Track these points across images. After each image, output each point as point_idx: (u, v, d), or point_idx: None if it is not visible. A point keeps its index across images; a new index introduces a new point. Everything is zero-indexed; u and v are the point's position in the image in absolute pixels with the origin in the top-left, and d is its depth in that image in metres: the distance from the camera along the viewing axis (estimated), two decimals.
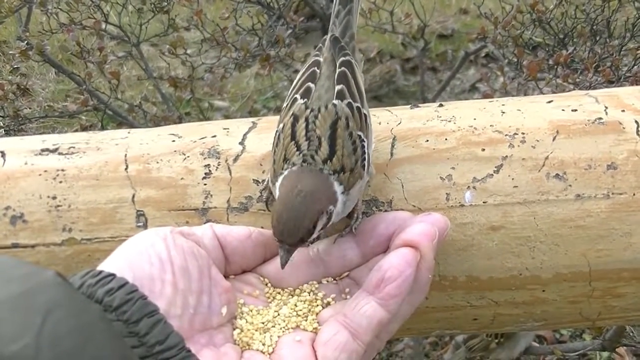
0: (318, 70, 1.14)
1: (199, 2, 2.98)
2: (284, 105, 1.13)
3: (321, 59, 1.16)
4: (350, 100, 1.08)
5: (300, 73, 1.16)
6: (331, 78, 1.12)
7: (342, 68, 1.11)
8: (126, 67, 5.06)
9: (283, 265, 1.00)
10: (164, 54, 2.99)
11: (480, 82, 5.18)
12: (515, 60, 2.79)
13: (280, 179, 1.02)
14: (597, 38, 2.88)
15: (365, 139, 1.07)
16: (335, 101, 1.07)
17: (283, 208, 0.98)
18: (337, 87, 1.09)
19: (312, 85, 1.11)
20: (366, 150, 1.06)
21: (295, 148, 1.04)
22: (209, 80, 3.26)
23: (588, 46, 2.77)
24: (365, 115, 1.09)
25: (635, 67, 2.50)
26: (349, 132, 1.05)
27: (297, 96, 1.10)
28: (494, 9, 3.30)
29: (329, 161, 1.02)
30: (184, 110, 4.45)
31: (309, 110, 1.07)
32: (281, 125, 1.08)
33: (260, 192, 1.12)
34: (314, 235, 1.00)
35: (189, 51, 3.10)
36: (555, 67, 2.60)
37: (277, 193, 1.03)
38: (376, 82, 5.12)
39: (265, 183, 1.12)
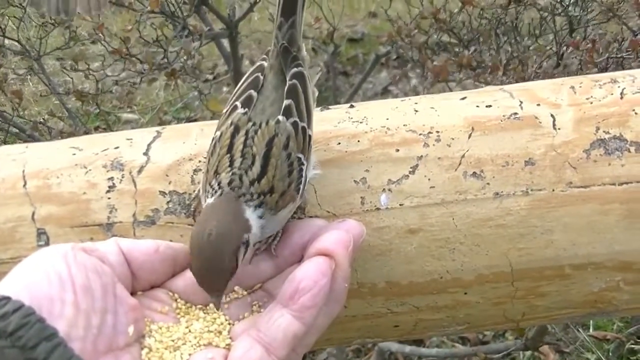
0: (262, 77, 1.08)
1: (99, 15, 2.92)
2: (224, 110, 1.07)
3: (266, 64, 1.09)
4: (297, 119, 1.02)
5: (244, 78, 1.10)
6: (278, 89, 1.06)
7: (294, 81, 1.05)
8: (32, 83, 4.94)
9: (218, 308, 0.97)
10: (65, 68, 2.91)
11: (393, 85, 5.21)
12: (421, 63, 2.80)
13: (208, 200, 0.98)
14: (505, 39, 2.91)
15: (305, 162, 1.02)
16: (280, 117, 1.02)
17: (198, 259, 0.94)
18: (285, 102, 1.03)
19: (254, 93, 1.05)
20: (303, 174, 1.02)
21: (228, 163, 0.99)
22: (117, 93, 3.20)
23: (493, 47, 2.80)
24: (309, 136, 1.04)
25: (545, 63, 2.52)
26: (288, 152, 1.00)
27: (238, 104, 1.05)
28: (402, 12, 3.30)
29: (257, 182, 0.97)
30: (92, 125, 4.36)
31: (251, 123, 1.02)
32: (218, 133, 1.03)
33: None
34: (239, 268, 0.96)
35: (95, 64, 3.03)
36: (463, 68, 2.62)
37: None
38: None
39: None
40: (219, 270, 0.94)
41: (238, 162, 0.98)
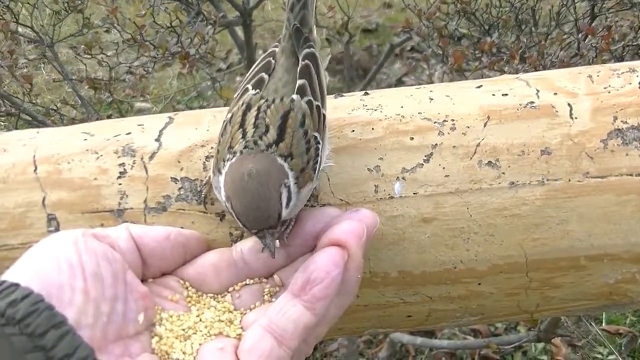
0: (273, 61, 1.08)
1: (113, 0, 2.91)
2: (235, 95, 1.07)
3: (278, 49, 1.10)
4: (311, 97, 1.02)
5: (256, 63, 1.10)
6: (290, 71, 1.06)
7: (306, 61, 1.05)
8: (44, 71, 4.95)
9: (274, 255, 0.94)
10: (79, 55, 2.90)
11: (407, 76, 5.20)
12: (441, 51, 2.78)
13: (223, 172, 0.96)
14: (523, 27, 2.89)
15: (320, 141, 1.01)
16: (294, 96, 1.02)
17: (243, 199, 0.92)
18: (299, 82, 1.03)
19: (265, 76, 1.06)
20: (320, 154, 1.01)
21: (241, 135, 0.98)
22: (130, 82, 3.19)
23: (514, 34, 2.78)
24: (324, 115, 1.03)
25: (562, 52, 2.50)
26: (305, 130, 0.99)
27: (249, 86, 1.05)
28: (418, 1, 3.28)
29: (274, 145, 0.96)
30: (105, 113, 4.36)
31: (263, 100, 1.02)
32: (229, 115, 1.03)
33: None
34: (284, 212, 0.94)
35: (109, 53, 3.03)
36: (481, 56, 2.59)
37: (221, 186, 0.96)
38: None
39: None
40: (267, 205, 0.93)
41: (251, 133, 0.98)
